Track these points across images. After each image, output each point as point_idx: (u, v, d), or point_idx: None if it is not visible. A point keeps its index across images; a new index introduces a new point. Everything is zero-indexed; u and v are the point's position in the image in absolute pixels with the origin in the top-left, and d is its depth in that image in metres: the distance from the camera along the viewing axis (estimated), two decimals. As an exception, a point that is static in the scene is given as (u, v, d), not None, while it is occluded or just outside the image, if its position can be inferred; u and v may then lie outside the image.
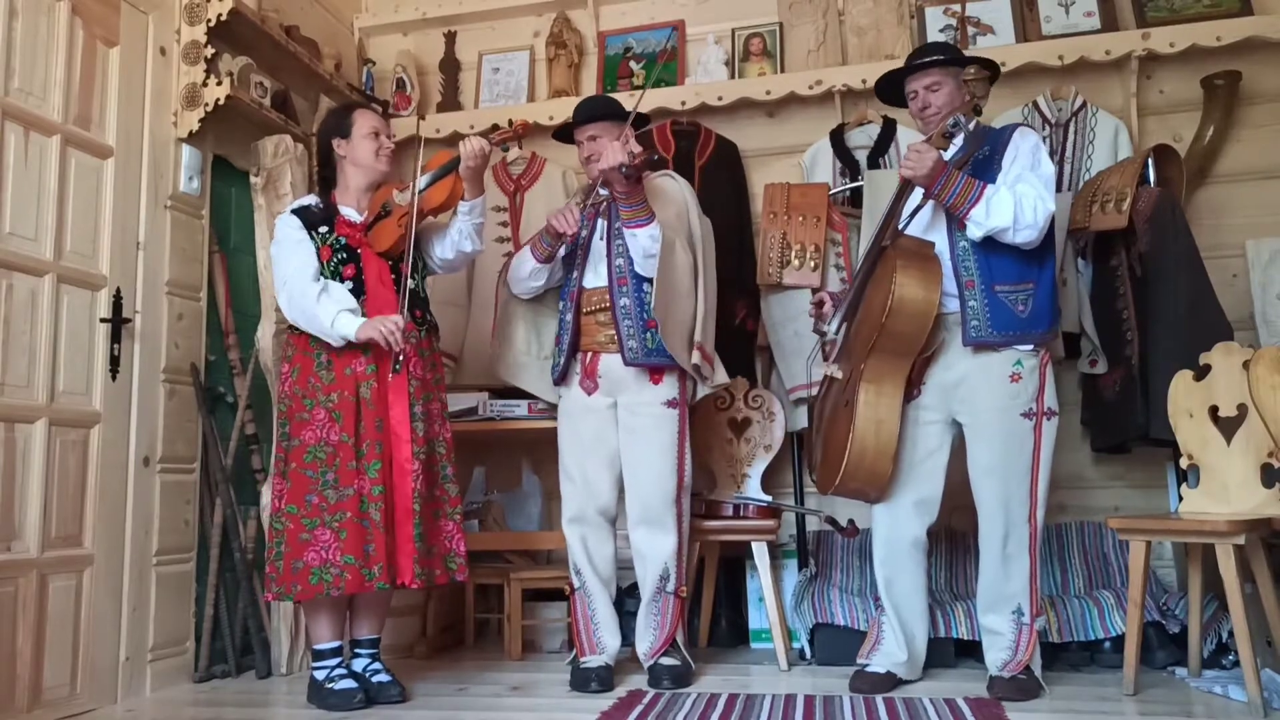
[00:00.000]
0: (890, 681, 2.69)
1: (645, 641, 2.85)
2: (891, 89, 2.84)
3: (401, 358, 2.59)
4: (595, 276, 2.85)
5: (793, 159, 3.70)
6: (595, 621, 2.85)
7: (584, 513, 2.86)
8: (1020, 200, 2.50)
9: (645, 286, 2.79)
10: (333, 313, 2.58)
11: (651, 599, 2.84)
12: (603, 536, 2.89)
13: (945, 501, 2.76)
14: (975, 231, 2.55)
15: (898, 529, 2.73)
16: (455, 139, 2.73)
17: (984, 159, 2.64)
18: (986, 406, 2.62)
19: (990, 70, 2.63)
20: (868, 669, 2.72)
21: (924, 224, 2.68)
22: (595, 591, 2.86)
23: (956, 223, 2.62)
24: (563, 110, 3.72)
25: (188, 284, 3.06)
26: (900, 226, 2.63)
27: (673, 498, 2.83)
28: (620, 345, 2.79)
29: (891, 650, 2.73)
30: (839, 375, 2.72)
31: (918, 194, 2.62)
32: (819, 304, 2.86)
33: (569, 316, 2.88)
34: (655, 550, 2.83)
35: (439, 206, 2.72)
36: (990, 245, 2.58)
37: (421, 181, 2.70)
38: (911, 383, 2.66)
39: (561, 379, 2.90)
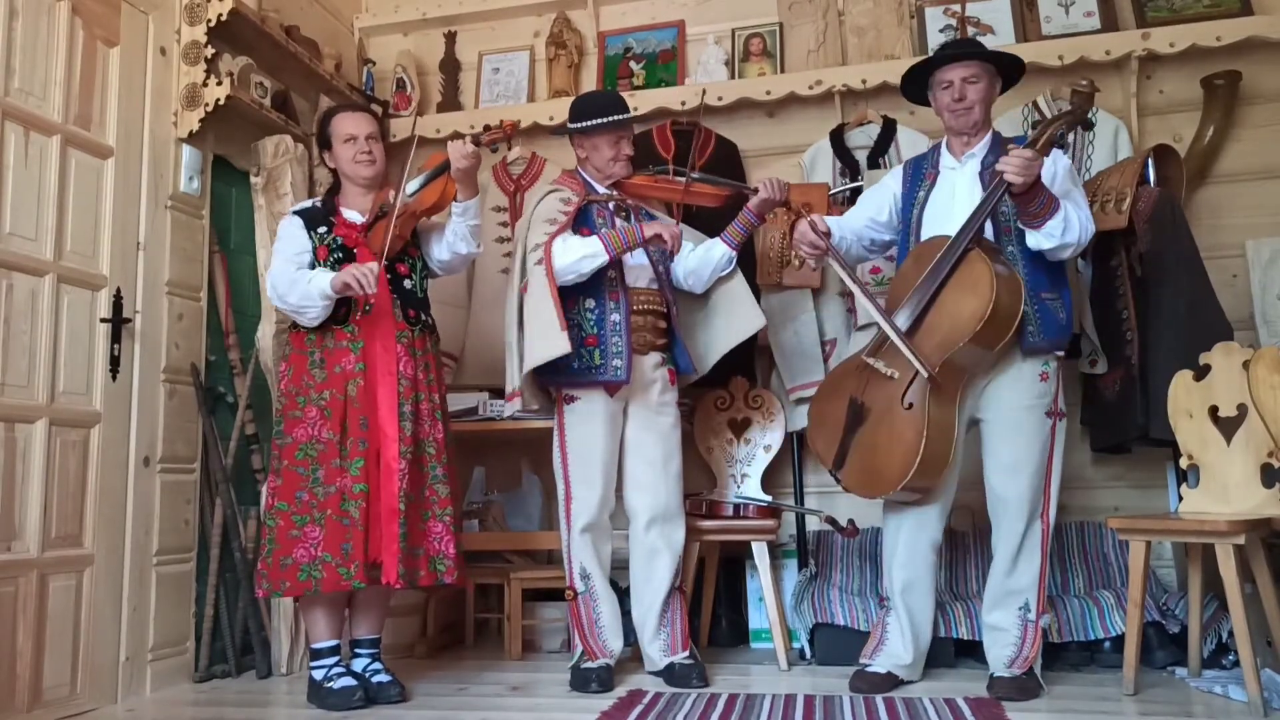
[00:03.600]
0: (890, 682, 2.69)
1: (660, 640, 2.86)
2: (913, 84, 2.82)
3: (371, 302, 2.60)
4: (632, 278, 2.87)
5: (792, 159, 3.69)
6: (600, 625, 2.85)
7: (599, 519, 2.86)
8: (1080, 219, 2.55)
9: (674, 294, 2.96)
10: (309, 275, 2.61)
11: (667, 597, 2.86)
12: (607, 538, 2.91)
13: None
14: (1043, 243, 2.56)
15: (923, 533, 2.72)
16: (455, 139, 2.72)
17: None
18: (1015, 405, 2.63)
19: (1092, 84, 2.61)
20: (869, 669, 2.71)
21: (989, 232, 2.67)
22: (603, 594, 2.87)
23: (1004, 228, 2.64)
24: (563, 110, 3.70)
25: (188, 284, 3.06)
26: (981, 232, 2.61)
27: (682, 493, 2.95)
28: (689, 350, 2.95)
29: (896, 651, 2.73)
30: (895, 375, 2.62)
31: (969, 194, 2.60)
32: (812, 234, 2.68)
33: (619, 316, 2.83)
34: (674, 544, 2.88)
35: (431, 208, 2.73)
36: (1034, 256, 2.61)
37: (414, 184, 2.71)
38: None
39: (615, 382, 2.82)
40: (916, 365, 2.54)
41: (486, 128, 2.80)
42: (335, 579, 2.51)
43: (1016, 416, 2.63)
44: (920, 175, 2.82)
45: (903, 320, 2.61)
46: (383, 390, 2.64)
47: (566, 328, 2.65)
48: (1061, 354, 2.68)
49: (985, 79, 2.68)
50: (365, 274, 2.52)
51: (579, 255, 2.73)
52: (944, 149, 2.80)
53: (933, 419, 2.55)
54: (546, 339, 2.66)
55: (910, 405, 2.59)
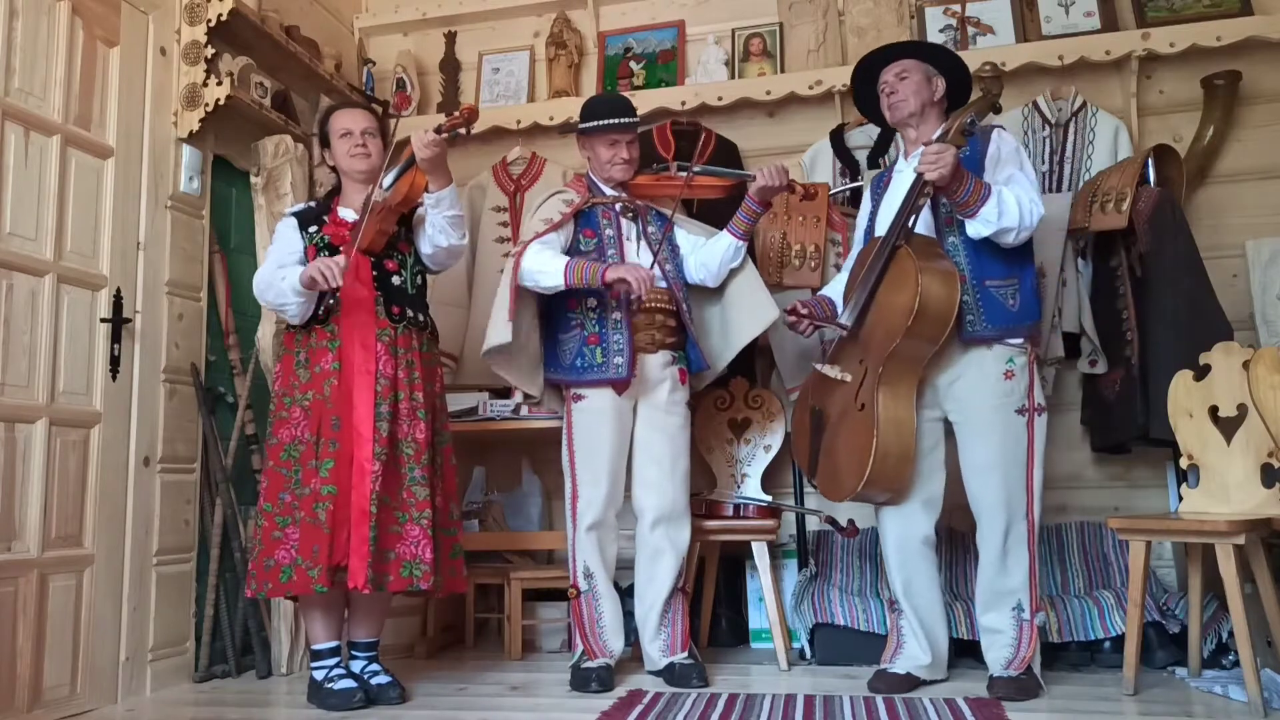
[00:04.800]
0: (910, 683, 2.67)
1: (660, 640, 2.86)
2: (869, 101, 2.85)
3: (336, 296, 2.60)
4: None
5: (793, 159, 3.67)
6: (601, 625, 2.85)
7: (605, 517, 2.86)
8: (1020, 201, 2.51)
9: (686, 290, 2.95)
10: (284, 273, 2.61)
11: (669, 598, 2.86)
12: (613, 538, 2.91)
13: (945, 499, 2.76)
14: (982, 230, 2.54)
15: (909, 529, 2.72)
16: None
17: (966, 158, 2.62)
18: (981, 404, 2.62)
19: (995, 68, 2.60)
20: (889, 670, 2.70)
21: (927, 224, 2.67)
22: (606, 594, 2.87)
23: (944, 220, 2.63)
24: (563, 110, 3.74)
25: (188, 284, 3.06)
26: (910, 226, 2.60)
27: (689, 493, 2.94)
28: (702, 349, 2.96)
29: (914, 653, 2.71)
30: (848, 379, 2.67)
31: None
32: (793, 312, 2.76)
33: (620, 314, 2.83)
34: (678, 545, 2.88)
35: (402, 202, 2.71)
36: (979, 242, 2.59)
37: (389, 178, 2.70)
38: None
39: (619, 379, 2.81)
40: (835, 367, 2.64)
41: (447, 114, 2.79)
42: (306, 581, 2.49)
43: (983, 416, 2.62)
44: (880, 184, 2.86)
45: (849, 314, 2.67)
46: (359, 390, 2.60)
47: (514, 317, 2.73)
48: (1018, 342, 2.60)
49: (916, 74, 2.69)
50: (329, 267, 2.51)
51: (541, 268, 2.76)
52: (901, 154, 2.84)
53: (885, 417, 2.56)
54: (495, 329, 2.77)
55: (862, 406, 2.61)
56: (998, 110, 2.63)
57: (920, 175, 2.51)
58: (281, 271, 2.63)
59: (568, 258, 2.78)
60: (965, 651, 2.96)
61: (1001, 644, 2.63)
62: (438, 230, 2.74)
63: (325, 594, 2.56)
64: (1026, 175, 2.61)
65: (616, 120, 2.88)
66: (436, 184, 2.68)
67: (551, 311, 2.91)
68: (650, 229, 2.95)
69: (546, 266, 2.75)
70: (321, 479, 2.54)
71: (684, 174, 2.93)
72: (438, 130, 2.62)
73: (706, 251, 2.94)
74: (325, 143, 2.84)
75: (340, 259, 2.55)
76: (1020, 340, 2.62)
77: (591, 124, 2.90)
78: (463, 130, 2.66)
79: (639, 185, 2.97)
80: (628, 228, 2.92)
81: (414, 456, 2.63)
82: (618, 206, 2.94)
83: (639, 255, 2.89)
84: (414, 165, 2.67)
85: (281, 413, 2.65)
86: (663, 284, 2.89)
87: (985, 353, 2.62)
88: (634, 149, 2.94)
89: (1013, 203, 2.51)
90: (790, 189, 2.87)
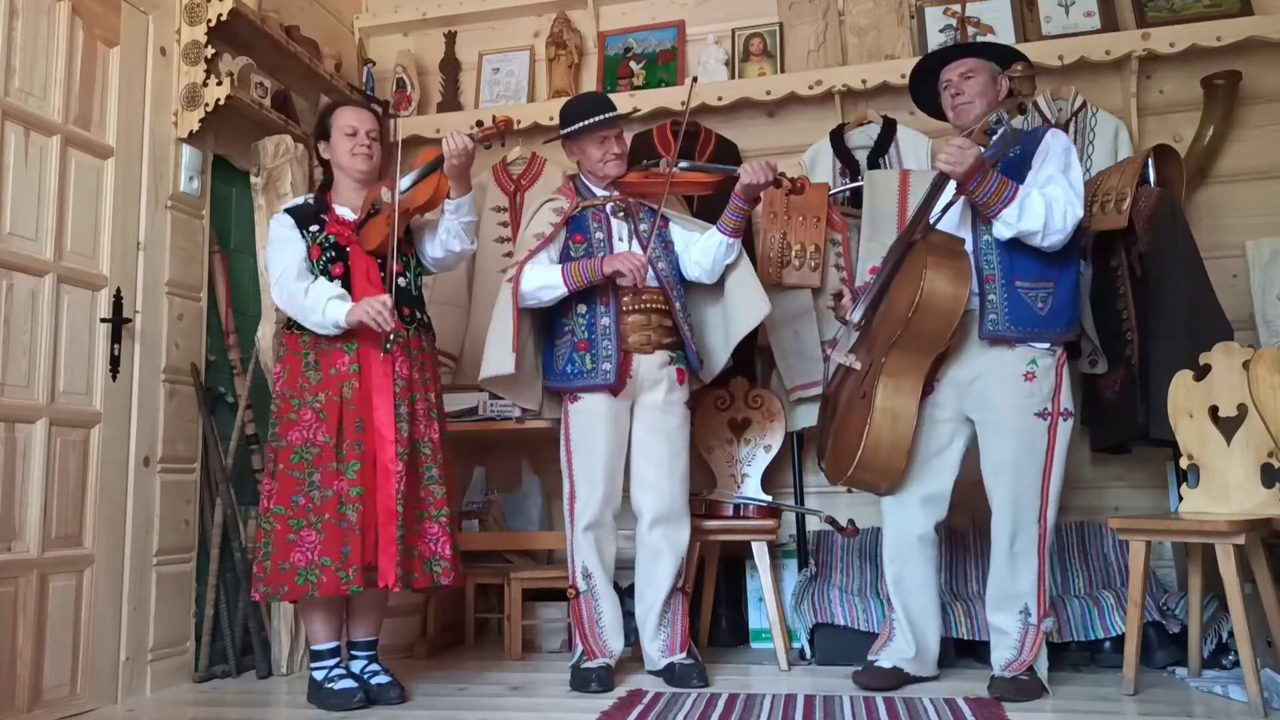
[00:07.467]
0: (896, 677, 2.68)
1: (659, 640, 2.86)
2: (923, 91, 2.85)
3: (392, 337, 2.57)
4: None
5: (793, 159, 3.69)
6: (601, 625, 2.85)
7: (602, 517, 2.86)
8: (1051, 204, 2.49)
9: (681, 289, 2.94)
10: (323, 302, 2.59)
11: (668, 598, 2.86)
12: (611, 538, 2.90)
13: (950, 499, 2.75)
14: (1004, 232, 2.53)
15: (905, 524, 2.72)
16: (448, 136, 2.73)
17: (1015, 158, 2.63)
18: (1000, 405, 2.61)
19: (1030, 67, 2.60)
20: (875, 663, 2.71)
21: (954, 220, 2.66)
22: (605, 594, 2.87)
23: (982, 219, 2.61)
24: (563, 110, 3.74)
25: (188, 284, 3.06)
26: (932, 221, 2.60)
27: (688, 493, 2.94)
28: (697, 348, 2.95)
29: (901, 647, 2.72)
30: (857, 366, 2.70)
31: (949, 189, 2.57)
32: (838, 296, 2.89)
33: (609, 319, 2.84)
34: (676, 545, 2.88)
35: (424, 205, 2.71)
36: (1014, 242, 2.57)
37: (406, 180, 2.69)
38: (927, 379, 2.65)
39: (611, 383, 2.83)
40: (849, 355, 2.70)
41: (479, 124, 2.79)
42: (335, 583, 2.50)
43: (1001, 417, 2.61)
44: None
45: (859, 309, 2.73)
46: (379, 392, 2.62)
47: (518, 349, 2.77)
48: (1046, 346, 2.59)
49: (982, 74, 2.68)
50: (380, 312, 2.52)
51: (539, 284, 2.81)
52: None
53: (882, 407, 2.58)
54: (495, 357, 2.80)
55: (864, 394, 2.64)
56: (1024, 111, 2.63)
57: (942, 171, 2.50)
58: (314, 299, 2.59)
59: (561, 265, 2.82)
60: (965, 651, 2.97)
61: (1006, 645, 2.63)
62: (452, 235, 2.76)
63: (325, 598, 2.57)
64: (1069, 178, 2.57)
65: (600, 117, 2.88)
66: (458, 190, 2.71)
67: (546, 320, 2.94)
68: (642, 227, 2.94)
69: (545, 281, 2.81)
70: (349, 481, 2.55)
71: (669, 170, 2.92)
72: (470, 138, 2.64)
73: (699, 249, 2.93)
74: (324, 135, 2.82)
75: (386, 298, 2.56)
76: (1045, 344, 2.60)
77: (576, 126, 2.89)
78: (497, 140, 2.70)
79: (628, 183, 2.96)
80: (618, 227, 2.92)
81: (431, 456, 2.69)
82: (608, 207, 2.93)
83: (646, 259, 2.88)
84: (437, 170, 2.68)
85: (289, 415, 2.63)
86: (655, 283, 2.89)
87: (1007, 352, 2.60)
88: (622, 143, 2.94)
89: (1038, 206, 2.48)
90: (776, 184, 2.84)
